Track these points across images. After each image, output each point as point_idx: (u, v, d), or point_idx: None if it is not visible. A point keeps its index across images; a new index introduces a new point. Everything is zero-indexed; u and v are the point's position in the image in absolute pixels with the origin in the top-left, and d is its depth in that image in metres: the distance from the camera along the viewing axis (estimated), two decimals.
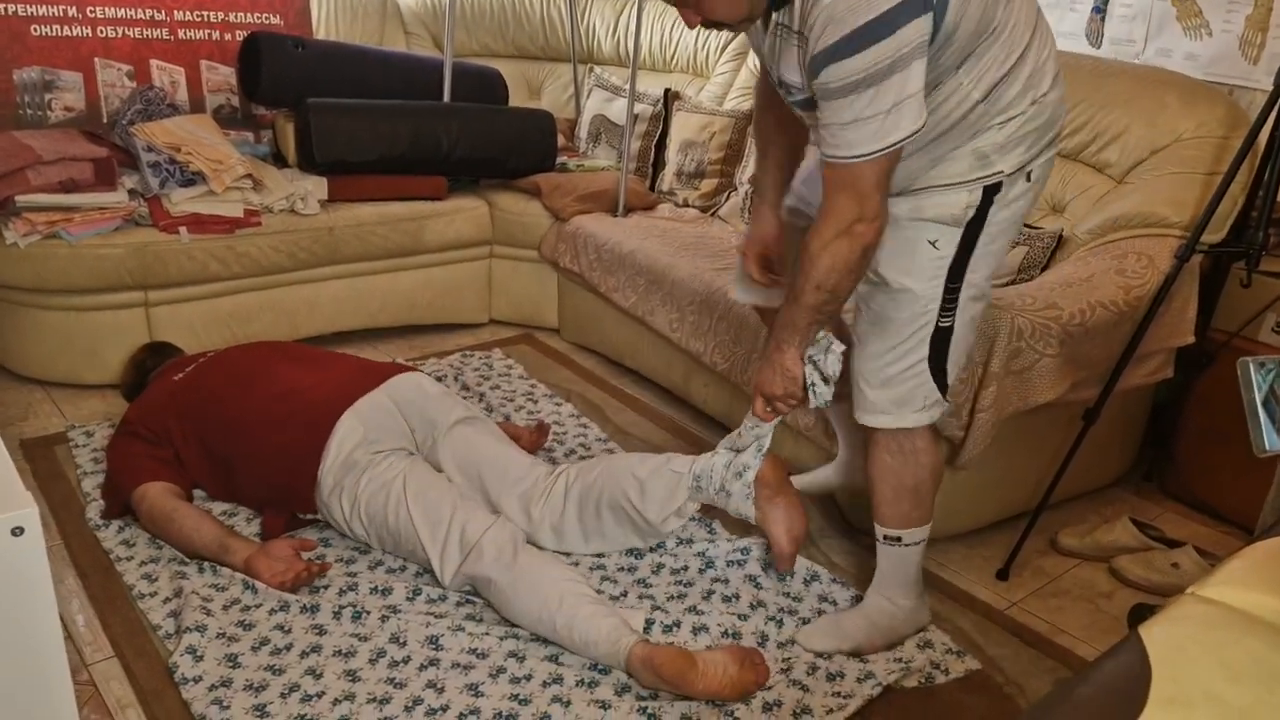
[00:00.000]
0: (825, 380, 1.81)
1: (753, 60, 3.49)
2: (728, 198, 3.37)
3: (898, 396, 1.82)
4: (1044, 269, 2.42)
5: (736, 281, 2.14)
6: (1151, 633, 0.98)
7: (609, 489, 2.10)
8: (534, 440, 2.58)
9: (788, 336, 1.75)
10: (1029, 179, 1.73)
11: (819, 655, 1.93)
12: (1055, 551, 2.38)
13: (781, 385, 1.80)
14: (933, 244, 1.72)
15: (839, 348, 1.81)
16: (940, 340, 1.79)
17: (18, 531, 0.91)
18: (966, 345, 1.84)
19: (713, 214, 3.37)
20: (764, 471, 2.02)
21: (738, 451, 2.06)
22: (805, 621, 2.02)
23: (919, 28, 1.46)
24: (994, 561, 2.31)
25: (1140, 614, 2.07)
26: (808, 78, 1.56)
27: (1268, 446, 0.95)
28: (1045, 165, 1.77)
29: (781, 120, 1.87)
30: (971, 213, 1.70)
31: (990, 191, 1.70)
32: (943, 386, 1.83)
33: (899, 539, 1.96)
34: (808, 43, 1.52)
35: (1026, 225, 2.51)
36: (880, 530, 1.97)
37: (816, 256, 1.62)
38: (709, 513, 2.28)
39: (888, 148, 1.52)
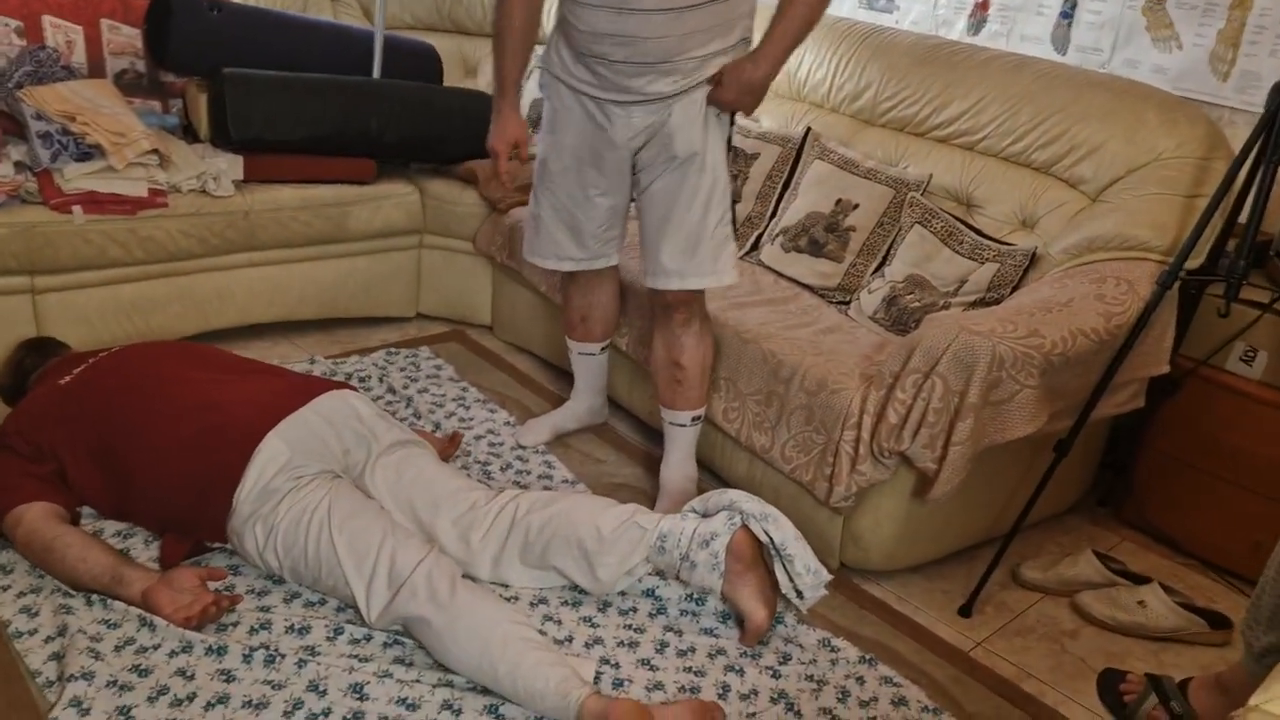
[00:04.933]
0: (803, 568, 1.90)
1: None
2: None
3: (714, 254, 2.11)
4: (1016, 288, 2.31)
5: (542, 250, 2.31)
6: None
7: (564, 533, 1.92)
8: (445, 450, 2.38)
9: (782, 55, 1.99)
10: None
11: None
12: (1017, 584, 2.28)
13: (759, 98, 2.04)
14: (719, 116, 2.06)
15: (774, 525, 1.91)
16: (732, 199, 2.13)
17: None
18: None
19: None
20: (736, 542, 1.87)
21: (705, 516, 1.92)
22: (771, 670, 1.88)
23: None
24: (955, 596, 2.20)
25: (1109, 681, 1.95)
26: None
27: None
28: None
29: (527, 11, 2.16)
30: None
31: None
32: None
33: (700, 416, 2.31)
34: None
35: (995, 240, 2.40)
36: (689, 414, 2.29)
37: None
38: None
39: None
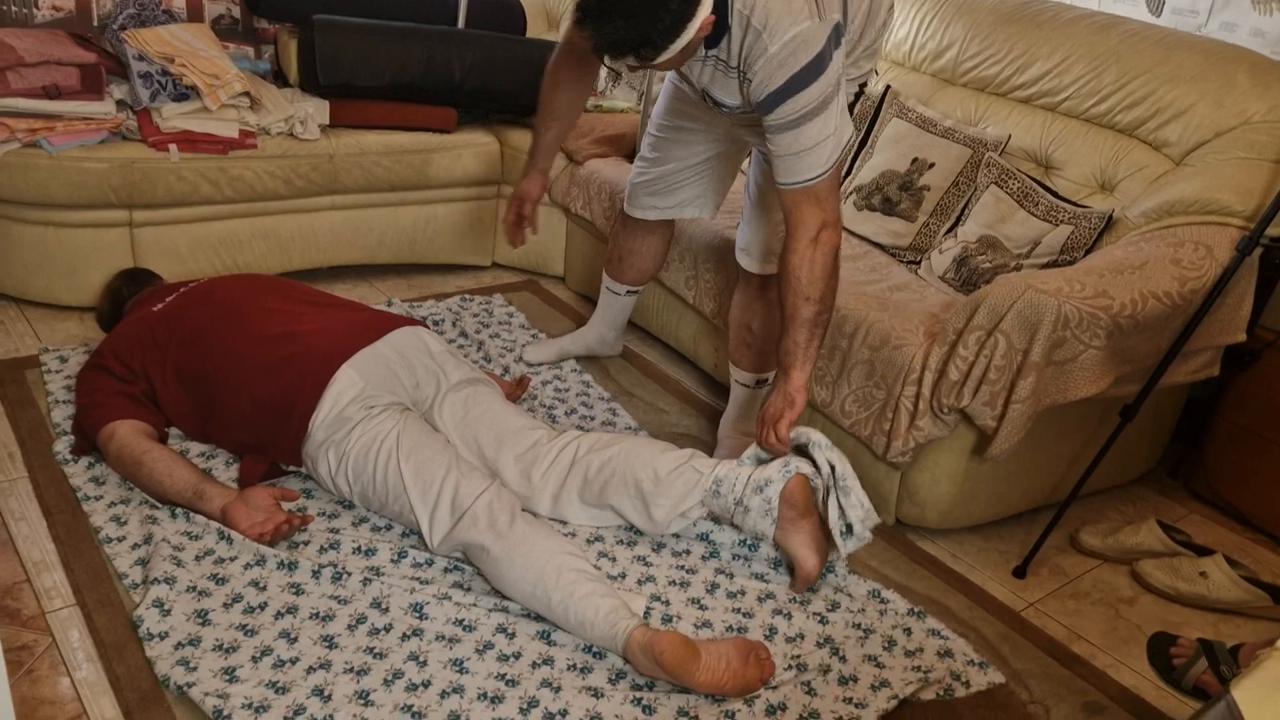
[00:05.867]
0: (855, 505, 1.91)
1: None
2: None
3: (776, 248, 2.14)
4: (1089, 251, 2.27)
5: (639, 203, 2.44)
6: (1245, 694, 0.86)
7: (622, 472, 1.97)
8: (512, 394, 2.45)
9: (791, 360, 1.93)
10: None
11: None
12: (1075, 550, 2.26)
13: (784, 410, 1.93)
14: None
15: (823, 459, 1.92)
16: None
17: None
18: None
19: None
20: (790, 489, 1.89)
21: (761, 463, 1.94)
22: (819, 615, 1.91)
23: (840, 56, 1.77)
24: (1011, 557, 2.20)
25: (1160, 644, 1.94)
26: (760, 112, 1.81)
27: None
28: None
29: (573, 94, 2.23)
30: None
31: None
32: None
33: (765, 380, 2.35)
34: (750, 81, 1.78)
35: (1071, 203, 2.36)
36: (753, 376, 2.34)
37: (796, 270, 1.86)
38: None
39: (837, 159, 1.81)
